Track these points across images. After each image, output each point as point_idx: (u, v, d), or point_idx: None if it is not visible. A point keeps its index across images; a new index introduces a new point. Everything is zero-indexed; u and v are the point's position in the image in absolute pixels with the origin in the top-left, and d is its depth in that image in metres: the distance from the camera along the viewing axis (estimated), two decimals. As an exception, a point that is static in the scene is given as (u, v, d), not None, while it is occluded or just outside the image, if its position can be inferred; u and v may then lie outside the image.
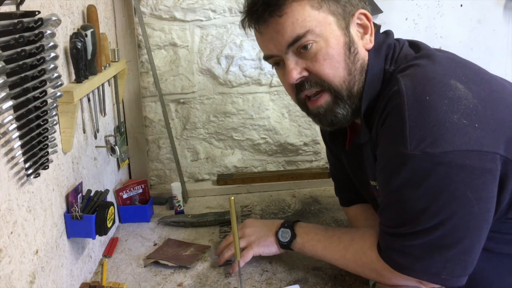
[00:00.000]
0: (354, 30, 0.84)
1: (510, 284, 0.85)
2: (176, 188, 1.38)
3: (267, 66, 1.55)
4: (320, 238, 0.97)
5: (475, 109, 0.72)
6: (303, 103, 0.88)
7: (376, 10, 1.52)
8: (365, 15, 0.85)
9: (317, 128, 1.63)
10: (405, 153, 0.73)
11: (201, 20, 1.49)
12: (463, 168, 0.71)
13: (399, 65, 0.83)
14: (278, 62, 0.88)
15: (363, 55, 0.85)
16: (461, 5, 1.59)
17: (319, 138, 1.65)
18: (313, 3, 0.80)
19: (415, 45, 0.88)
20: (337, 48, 0.81)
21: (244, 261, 1.03)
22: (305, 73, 0.84)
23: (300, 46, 0.82)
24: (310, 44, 0.81)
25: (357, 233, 0.93)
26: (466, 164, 0.71)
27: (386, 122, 0.78)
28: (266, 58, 0.89)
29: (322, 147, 1.66)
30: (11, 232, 0.72)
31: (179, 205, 1.39)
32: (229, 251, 1.07)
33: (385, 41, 0.87)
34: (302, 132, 1.64)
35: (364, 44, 0.85)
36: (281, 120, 1.62)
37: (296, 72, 0.84)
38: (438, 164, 0.71)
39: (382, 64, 0.85)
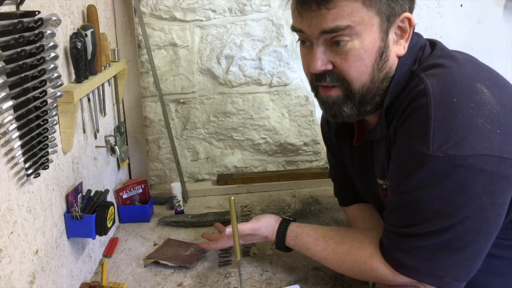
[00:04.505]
0: (392, 34, 0.80)
1: (508, 286, 0.85)
2: (176, 188, 1.38)
3: (267, 66, 1.55)
4: (313, 253, 0.96)
5: (497, 114, 0.72)
6: (316, 88, 0.86)
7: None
8: (409, 20, 0.80)
9: (317, 128, 1.63)
10: (426, 153, 0.72)
11: (201, 20, 1.49)
12: (482, 173, 0.71)
13: (421, 63, 0.82)
14: (304, 41, 0.84)
15: (392, 63, 0.82)
16: (461, 5, 1.59)
17: (319, 138, 1.65)
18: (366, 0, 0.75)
19: (432, 43, 0.87)
20: (370, 52, 0.78)
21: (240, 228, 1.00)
22: (330, 66, 0.80)
23: (334, 38, 0.78)
24: (345, 42, 0.77)
25: (354, 244, 0.91)
26: (485, 169, 0.71)
27: (408, 120, 0.77)
28: (294, 30, 0.83)
29: (322, 147, 1.66)
30: (11, 232, 0.72)
31: (179, 205, 1.39)
32: (230, 241, 1.04)
33: (418, 43, 0.85)
34: (302, 132, 1.64)
35: (396, 49, 0.81)
36: (281, 120, 1.62)
37: (321, 63, 0.80)
38: (459, 166, 0.71)
39: (409, 66, 0.83)
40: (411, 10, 0.81)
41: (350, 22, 0.75)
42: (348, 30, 0.76)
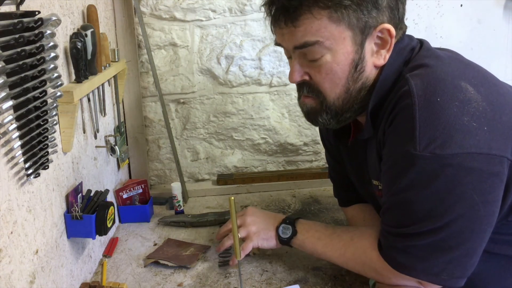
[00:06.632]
0: (370, 45, 0.81)
1: (507, 285, 0.85)
2: (176, 188, 1.38)
3: (267, 66, 1.55)
4: (321, 236, 0.97)
5: (484, 112, 0.72)
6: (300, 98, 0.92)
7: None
8: (388, 31, 0.80)
9: (317, 128, 1.63)
10: (414, 153, 0.72)
11: (201, 20, 1.49)
12: (471, 171, 0.71)
13: (408, 64, 0.83)
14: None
15: (369, 73, 0.83)
16: (461, 5, 1.59)
17: (319, 138, 1.64)
18: (332, 15, 0.77)
19: (420, 44, 0.88)
20: (343, 65, 0.80)
21: (244, 253, 1.02)
22: (307, 77, 0.85)
23: (305, 53, 0.81)
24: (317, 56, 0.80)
25: (357, 232, 0.93)
26: (474, 166, 0.71)
27: (394, 121, 0.77)
28: (276, 44, 0.89)
29: (322, 147, 1.66)
30: (11, 232, 0.72)
31: (179, 205, 1.39)
32: (230, 240, 1.06)
33: (408, 45, 0.85)
34: (302, 132, 1.64)
35: (375, 60, 0.82)
36: (281, 120, 1.62)
37: (298, 74, 0.85)
38: (447, 166, 0.71)
39: (397, 68, 0.83)
40: (392, 21, 0.81)
41: (319, 38, 0.78)
42: (318, 45, 0.79)
